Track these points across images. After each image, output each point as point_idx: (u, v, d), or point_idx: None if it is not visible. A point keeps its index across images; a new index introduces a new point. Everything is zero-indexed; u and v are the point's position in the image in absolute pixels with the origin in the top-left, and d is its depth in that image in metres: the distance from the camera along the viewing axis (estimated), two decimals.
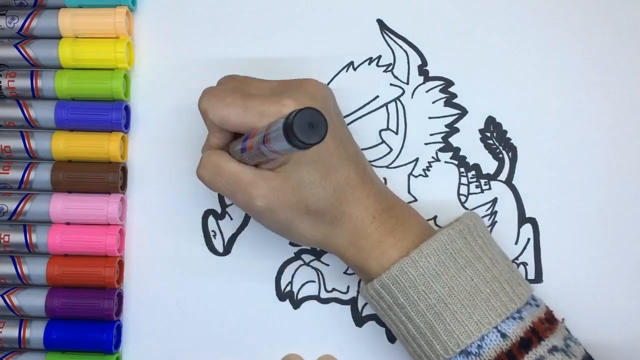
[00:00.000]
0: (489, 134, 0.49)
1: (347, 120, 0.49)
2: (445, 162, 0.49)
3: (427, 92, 0.49)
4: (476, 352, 0.38)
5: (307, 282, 0.49)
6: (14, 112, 0.49)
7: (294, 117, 0.31)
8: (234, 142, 0.42)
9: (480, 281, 0.39)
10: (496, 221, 0.48)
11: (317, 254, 0.49)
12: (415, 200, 0.49)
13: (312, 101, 0.40)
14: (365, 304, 0.48)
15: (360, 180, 0.41)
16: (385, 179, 0.49)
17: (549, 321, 0.40)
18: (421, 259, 0.39)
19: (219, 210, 0.49)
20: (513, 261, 0.47)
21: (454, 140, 0.49)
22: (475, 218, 0.42)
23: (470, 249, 0.40)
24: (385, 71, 0.49)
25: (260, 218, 0.42)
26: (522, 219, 0.48)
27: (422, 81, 0.49)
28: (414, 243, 0.41)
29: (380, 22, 0.50)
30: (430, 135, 0.49)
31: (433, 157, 0.49)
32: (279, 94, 0.40)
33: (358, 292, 0.49)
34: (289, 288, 0.49)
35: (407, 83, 0.49)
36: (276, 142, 0.33)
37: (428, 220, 0.48)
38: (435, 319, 0.39)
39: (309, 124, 0.31)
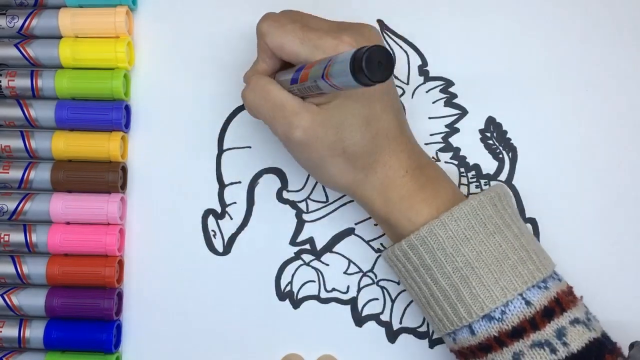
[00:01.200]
0: (489, 134, 0.49)
1: None
2: (446, 162, 0.49)
3: (427, 92, 0.49)
4: (499, 318, 0.39)
5: (307, 282, 0.49)
6: (14, 112, 0.49)
7: (365, 53, 0.31)
8: (281, 72, 0.41)
9: (509, 248, 0.40)
10: None
11: (317, 253, 0.49)
12: None
13: (368, 44, 0.40)
14: (366, 304, 0.48)
15: (398, 133, 0.42)
16: None
17: (571, 295, 0.41)
18: (451, 222, 0.40)
19: (219, 210, 0.50)
20: None
21: (454, 140, 0.49)
22: (505, 188, 0.43)
23: (500, 216, 0.41)
24: None
25: (295, 151, 0.41)
26: (522, 219, 0.48)
27: (422, 81, 0.49)
28: (444, 203, 0.41)
29: (380, 23, 0.50)
30: (431, 135, 0.49)
31: (433, 157, 0.49)
32: (337, 31, 0.40)
33: (358, 291, 0.49)
34: (289, 288, 0.49)
35: (407, 83, 0.49)
36: (338, 76, 0.33)
37: None
38: (461, 282, 0.39)
39: (378, 61, 0.31)
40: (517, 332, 0.38)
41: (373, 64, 0.31)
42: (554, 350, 0.38)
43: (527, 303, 0.39)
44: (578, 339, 0.38)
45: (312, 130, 0.39)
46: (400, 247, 0.41)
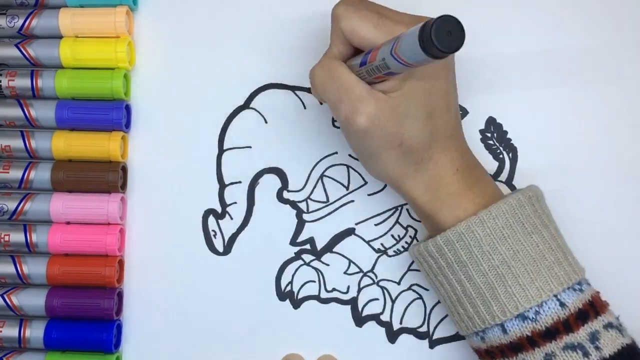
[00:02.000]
0: (489, 134, 0.49)
1: None
2: None
3: None
4: (533, 318, 0.38)
5: (307, 282, 0.49)
6: (15, 112, 0.49)
7: (434, 23, 0.30)
8: (351, 59, 0.41)
9: (546, 248, 0.40)
10: None
11: (318, 254, 0.49)
12: None
13: None
14: (366, 304, 0.48)
15: (455, 132, 0.42)
16: None
17: (603, 300, 0.41)
18: (489, 220, 0.39)
19: (219, 209, 0.50)
20: None
21: None
22: (540, 190, 0.43)
23: (538, 216, 0.41)
24: None
25: (353, 137, 0.41)
26: None
27: None
28: (490, 202, 0.41)
29: None
30: None
31: None
32: (413, 21, 0.40)
33: (358, 292, 0.49)
34: (289, 288, 0.49)
35: None
36: (408, 50, 0.32)
37: None
38: (497, 280, 0.39)
39: (448, 31, 0.31)
40: (550, 333, 0.38)
41: (442, 33, 0.30)
42: (586, 354, 0.37)
43: (562, 305, 0.38)
44: (611, 344, 0.38)
45: (376, 119, 0.39)
46: (435, 242, 0.41)
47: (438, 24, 0.30)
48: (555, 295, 0.39)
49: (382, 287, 0.49)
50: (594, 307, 0.39)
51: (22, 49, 0.49)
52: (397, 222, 0.49)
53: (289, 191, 0.49)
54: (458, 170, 0.41)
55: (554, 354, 0.38)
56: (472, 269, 0.40)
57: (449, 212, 0.41)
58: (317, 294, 0.49)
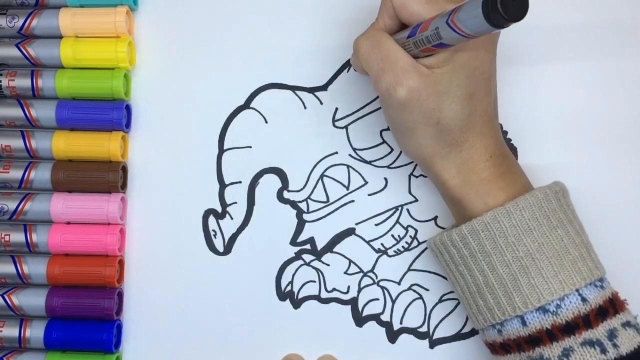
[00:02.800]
0: None
1: (349, 120, 0.49)
2: None
3: None
4: (554, 311, 0.39)
5: (308, 282, 0.49)
6: (15, 112, 0.49)
7: None
8: (396, 33, 0.41)
9: (570, 243, 0.40)
10: None
11: (318, 254, 0.49)
12: (416, 200, 0.49)
13: None
14: (366, 304, 0.48)
15: (491, 118, 0.42)
16: (386, 179, 0.49)
17: (621, 298, 0.41)
18: (516, 211, 0.39)
19: (219, 209, 0.49)
20: None
21: None
22: (565, 186, 0.43)
23: (563, 211, 0.41)
24: None
25: (392, 110, 0.41)
26: None
27: None
28: (520, 193, 0.41)
29: None
30: None
31: None
32: None
33: (359, 292, 0.49)
34: (289, 288, 0.49)
35: None
36: (468, 19, 0.32)
37: (428, 220, 0.49)
38: (520, 272, 0.39)
39: (512, 0, 0.30)
40: (570, 328, 0.38)
41: (508, 1, 0.30)
42: (604, 351, 0.38)
43: (583, 300, 0.38)
44: (628, 342, 0.38)
45: (416, 92, 0.39)
46: (459, 231, 0.41)
47: None
48: (577, 290, 0.39)
49: (383, 287, 0.49)
50: (614, 305, 0.39)
51: (22, 49, 0.49)
52: (397, 222, 0.49)
53: (289, 191, 0.49)
54: (491, 157, 0.41)
55: (572, 349, 0.38)
56: (496, 259, 0.40)
57: (478, 198, 0.41)
58: (317, 294, 0.49)
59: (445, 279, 0.48)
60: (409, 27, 0.40)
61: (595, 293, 0.39)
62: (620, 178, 0.48)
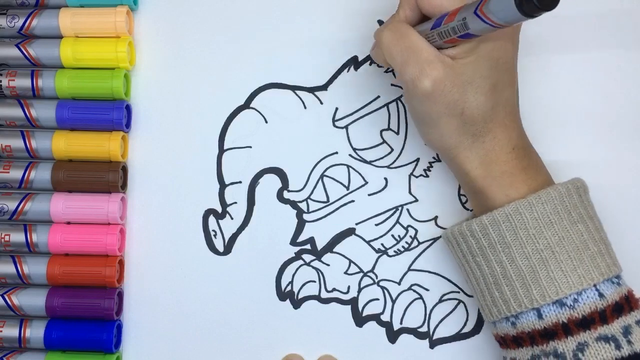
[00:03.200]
0: None
1: (349, 119, 0.49)
2: None
3: None
4: (571, 305, 0.39)
5: (308, 282, 0.49)
6: (15, 112, 0.49)
7: None
8: (419, 25, 0.41)
9: (590, 238, 0.40)
10: None
11: (318, 254, 0.49)
12: (416, 200, 0.49)
13: None
14: (366, 304, 0.48)
15: (514, 110, 0.42)
16: (386, 179, 0.49)
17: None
18: (538, 204, 0.39)
19: (219, 209, 0.49)
20: None
21: None
22: (585, 183, 0.43)
23: (584, 206, 0.41)
24: (386, 71, 0.49)
25: (416, 101, 0.41)
26: None
27: None
28: (541, 187, 0.41)
29: (381, 23, 0.50)
30: None
31: (434, 158, 0.49)
32: None
33: (359, 292, 0.49)
34: (289, 288, 0.49)
35: None
36: (498, 9, 0.32)
37: (428, 220, 0.48)
38: (539, 264, 0.39)
39: None
40: (586, 322, 0.38)
41: None
42: (618, 347, 0.38)
43: (600, 295, 0.39)
44: None
45: (441, 83, 0.39)
46: (480, 221, 0.41)
47: None
48: (595, 285, 0.39)
49: (383, 287, 0.49)
50: (629, 302, 0.39)
51: (22, 49, 0.49)
52: (397, 222, 0.49)
53: (289, 191, 0.49)
54: (514, 149, 0.41)
55: (586, 344, 0.38)
56: (516, 251, 0.40)
57: (500, 190, 0.41)
58: (317, 294, 0.49)
59: (446, 278, 0.48)
60: (430, 18, 0.40)
61: (612, 289, 0.39)
62: (619, 178, 0.48)
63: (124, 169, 0.50)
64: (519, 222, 0.40)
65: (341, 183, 0.49)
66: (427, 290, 0.48)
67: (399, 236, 0.49)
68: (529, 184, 0.41)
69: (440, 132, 0.41)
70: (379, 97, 0.49)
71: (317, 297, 0.49)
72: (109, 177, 0.48)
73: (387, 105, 0.49)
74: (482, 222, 0.41)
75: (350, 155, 0.49)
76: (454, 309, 0.48)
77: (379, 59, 0.45)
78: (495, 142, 0.41)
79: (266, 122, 0.50)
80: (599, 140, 0.48)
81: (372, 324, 0.48)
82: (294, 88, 0.50)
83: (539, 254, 0.39)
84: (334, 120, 0.49)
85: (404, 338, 0.48)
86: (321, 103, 0.49)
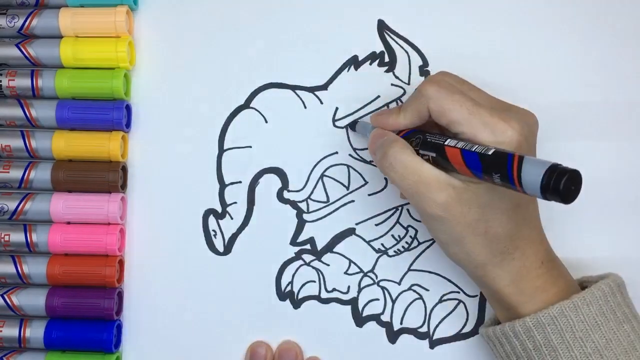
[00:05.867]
0: None
1: (349, 119, 0.49)
2: None
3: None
4: None
5: (308, 282, 0.49)
6: (15, 111, 0.49)
7: (566, 176, 0.31)
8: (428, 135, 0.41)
9: (636, 339, 0.39)
10: None
11: (318, 254, 0.49)
12: None
13: (530, 134, 0.39)
14: (366, 304, 0.48)
15: (539, 224, 0.41)
16: (386, 179, 0.49)
17: None
18: (583, 306, 0.39)
19: (219, 209, 0.49)
20: None
21: None
22: (622, 278, 0.42)
23: (627, 304, 0.40)
24: (386, 71, 0.49)
25: (432, 224, 0.40)
26: None
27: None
28: (573, 293, 0.40)
29: (380, 23, 0.50)
30: None
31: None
32: (503, 111, 0.39)
33: (359, 292, 0.48)
34: (289, 288, 0.49)
35: (408, 83, 0.49)
36: (527, 183, 0.32)
37: None
38: None
39: (572, 186, 0.31)
40: None
41: (568, 186, 0.31)
42: None
43: None
44: None
45: (455, 207, 0.38)
46: (523, 323, 0.40)
47: (569, 177, 0.31)
48: None
49: (383, 287, 0.49)
50: None
51: (22, 49, 0.49)
52: (397, 222, 0.49)
53: (289, 191, 0.49)
54: (543, 264, 0.40)
55: None
56: (563, 354, 0.39)
57: (536, 307, 0.40)
58: (317, 294, 0.49)
59: (446, 278, 0.48)
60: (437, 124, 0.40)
61: None
62: (619, 179, 0.48)
63: (124, 169, 0.50)
64: (564, 324, 0.39)
65: (341, 183, 0.49)
66: (427, 290, 0.48)
67: (399, 236, 0.49)
68: (561, 297, 0.40)
69: (467, 250, 0.40)
70: (379, 97, 0.49)
71: (317, 297, 0.49)
72: (109, 177, 0.48)
73: (387, 105, 0.49)
74: (526, 324, 0.40)
75: (350, 155, 0.49)
76: (454, 309, 0.48)
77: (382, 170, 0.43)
78: (524, 259, 0.40)
79: (266, 122, 0.50)
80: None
81: (372, 324, 0.48)
82: (294, 88, 0.50)
83: (587, 358, 0.38)
84: (334, 120, 0.49)
85: (404, 338, 0.48)
86: (321, 103, 0.49)
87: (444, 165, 0.39)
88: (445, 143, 0.38)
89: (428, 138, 0.40)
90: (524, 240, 0.40)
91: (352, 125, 0.49)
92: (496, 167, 0.35)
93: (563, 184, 0.31)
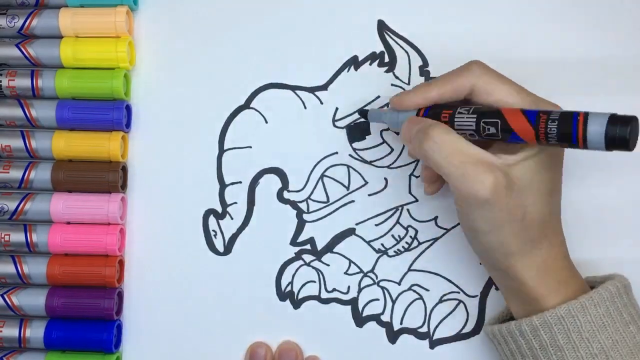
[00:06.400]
0: None
1: (349, 120, 0.49)
2: None
3: None
4: None
5: (308, 282, 0.49)
6: (15, 112, 0.49)
7: (633, 124, 0.32)
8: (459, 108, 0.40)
9: None
10: None
11: (318, 254, 0.49)
12: (417, 200, 0.49)
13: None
14: (366, 304, 0.48)
15: (560, 216, 0.41)
16: (386, 179, 0.49)
17: None
18: (591, 306, 0.39)
19: (219, 209, 0.49)
20: None
21: None
22: (628, 280, 0.42)
23: (634, 305, 0.40)
24: (386, 71, 0.49)
25: (474, 209, 0.38)
26: None
27: (423, 81, 0.49)
28: (584, 291, 0.40)
29: (381, 23, 0.50)
30: None
31: None
32: (545, 101, 0.40)
33: (359, 292, 0.48)
34: (289, 288, 0.49)
35: (408, 83, 0.49)
36: (595, 139, 0.33)
37: (428, 220, 0.48)
38: None
39: (635, 132, 0.33)
40: None
41: (635, 133, 0.33)
42: None
43: None
44: None
45: (501, 191, 0.37)
46: (529, 322, 0.40)
47: (633, 126, 0.33)
48: None
49: (383, 288, 0.49)
50: None
51: (22, 49, 0.49)
52: (397, 222, 0.49)
53: (289, 191, 0.49)
54: (566, 257, 0.41)
55: None
56: (569, 354, 0.39)
57: (559, 299, 0.40)
58: (317, 294, 0.49)
59: (446, 278, 0.48)
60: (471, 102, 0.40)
61: None
62: (619, 179, 0.48)
63: (124, 169, 0.50)
64: (571, 325, 0.39)
65: (341, 183, 0.49)
66: (427, 290, 0.48)
67: (399, 236, 0.49)
68: (579, 293, 0.40)
69: (501, 239, 0.39)
70: (379, 97, 0.49)
71: (317, 297, 0.49)
72: (109, 177, 0.48)
73: (387, 105, 0.49)
74: (533, 323, 0.39)
75: (350, 155, 0.49)
76: (454, 309, 0.48)
77: (414, 156, 0.44)
78: (551, 249, 0.40)
79: (266, 122, 0.50)
80: None
81: (372, 324, 0.48)
82: (294, 88, 0.50)
83: (593, 358, 0.38)
84: (334, 120, 0.49)
85: (404, 338, 0.48)
86: (321, 103, 0.49)
87: (487, 144, 0.39)
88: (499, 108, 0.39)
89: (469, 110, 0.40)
90: (551, 230, 0.40)
91: (363, 114, 0.48)
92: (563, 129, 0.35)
93: (629, 133, 0.32)
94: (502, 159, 0.38)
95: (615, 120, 0.33)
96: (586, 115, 0.34)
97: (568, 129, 0.35)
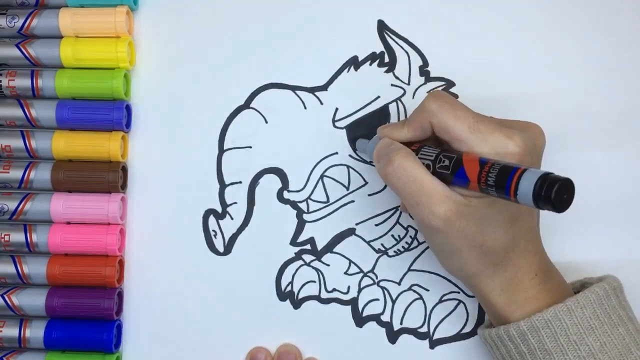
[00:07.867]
0: None
1: (349, 120, 0.49)
2: None
3: (428, 92, 0.49)
4: None
5: (308, 282, 0.49)
6: (15, 112, 0.49)
7: (557, 184, 0.32)
8: (425, 146, 0.41)
9: (632, 342, 0.39)
10: None
11: (318, 254, 0.49)
12: None
13: (534, 148, 0.39)
14: (366, 304, 0.48)
15: (534, 235, 0.41)
16: None
17: None
18: (577, 309, 0.39)
19: (219, 209, 0.49)
20: None
21: None
22: (620, 282, 0.42)
23: (623, 308, 0.40)
24: (386, 72, 0.49)
25: (430, 235, 0.40)
26: None
27: (423, 82, 0.49)
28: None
29: (381, 23, 0.50)
30: None
31: None
32: (507, 127, 0.39)
33: (359, 292, 0.48)
34: (289, 288, 0.49)
35: (408, 83, 0.49)
36: (522, 194, 0.33)
37: None
38: None
39: (564, 195, 0.32)
40: None
41: (560, 195, 0.32)
42: None
43: None
44: None
45: (454, 221, 0.38)
46: (517, 327, 0.40)
47: (560, 186, 0.32)
48: None
49: (383, 288, 0.49)
50: None
51: (22, 49, 0.49)
52: (397, 222, 0.49)
53: (289, 191, 0.49)
54: (536, 275, 0.40)
55: None
56: (557, 358, 0.39)
57: (523, 315, 0.40)
58: (317, 294, 0.49)
59: (446, 279, 0.48)
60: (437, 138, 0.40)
61: None
62: (619, 180, 0.48)
63: (124, 169, 0.50)
64: (559, 328, 0.39)
65: (341, 183, 0.49)
66: (427, 290, 0.48)
67: (399, 236, 0.49)
68: (551, 305, 0.40)
69: (461, 262, 0.40)
70: (379, 97, 0.49)
71: (317, 297, 0.49)
72: (109, 177, 0.48)
73: (387, 105, 0.49)
74: (520, 328, 0.40)
75: (350, 155, 0.49)
76: (454, 309, 0.48)
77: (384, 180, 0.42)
78: (517, 270, 0.40)
79: (266, 122, 0.50)
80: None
81: (372, 324, 0.48)
82: (294, 88, 0.50)
83: None
84: (334, 120, 0.49)
85: (404, 338, 0.48)
86: (321, 103, 0.49)
87: (445, 179, 0.39)
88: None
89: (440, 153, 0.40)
90: (518, 253, 0.40)
91: (353, 142, 0.49)
92: (499, 180, 0.35)
93: (555, 193, 0.31)
94: (459, 191, 0.38)
95: (545, 179, 0.32)
96: (524, 170, 0.34)
97: (503, 182, 0.34)
